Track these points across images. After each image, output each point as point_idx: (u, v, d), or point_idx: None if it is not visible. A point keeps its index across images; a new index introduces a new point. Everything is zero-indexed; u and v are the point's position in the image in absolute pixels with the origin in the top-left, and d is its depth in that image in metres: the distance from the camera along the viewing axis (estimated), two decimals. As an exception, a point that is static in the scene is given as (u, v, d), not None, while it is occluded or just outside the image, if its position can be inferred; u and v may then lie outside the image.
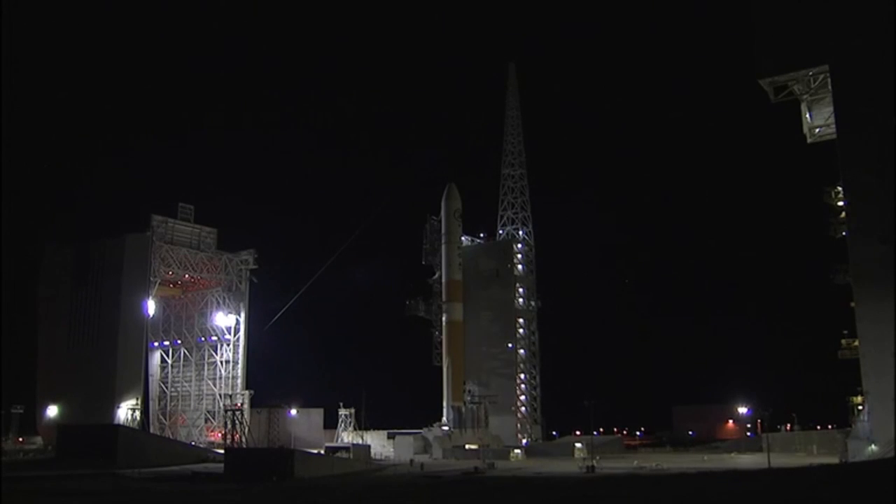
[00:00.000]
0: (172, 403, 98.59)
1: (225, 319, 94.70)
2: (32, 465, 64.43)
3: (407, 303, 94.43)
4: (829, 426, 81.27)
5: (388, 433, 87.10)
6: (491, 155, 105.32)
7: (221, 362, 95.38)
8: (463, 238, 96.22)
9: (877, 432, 47.52)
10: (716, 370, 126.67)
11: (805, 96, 58.17)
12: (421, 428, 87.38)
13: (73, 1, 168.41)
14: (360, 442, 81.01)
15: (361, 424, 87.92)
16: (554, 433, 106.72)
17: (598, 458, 62.87)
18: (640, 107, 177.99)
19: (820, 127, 59.92)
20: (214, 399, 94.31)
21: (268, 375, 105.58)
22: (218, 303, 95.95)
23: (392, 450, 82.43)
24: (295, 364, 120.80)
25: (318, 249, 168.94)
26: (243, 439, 74.81)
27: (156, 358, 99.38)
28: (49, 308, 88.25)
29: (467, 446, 79.26)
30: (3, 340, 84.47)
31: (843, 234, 54.31)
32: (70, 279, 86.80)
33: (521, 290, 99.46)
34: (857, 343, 51.37)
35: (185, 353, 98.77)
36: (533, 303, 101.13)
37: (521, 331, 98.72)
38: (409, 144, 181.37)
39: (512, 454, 76.21)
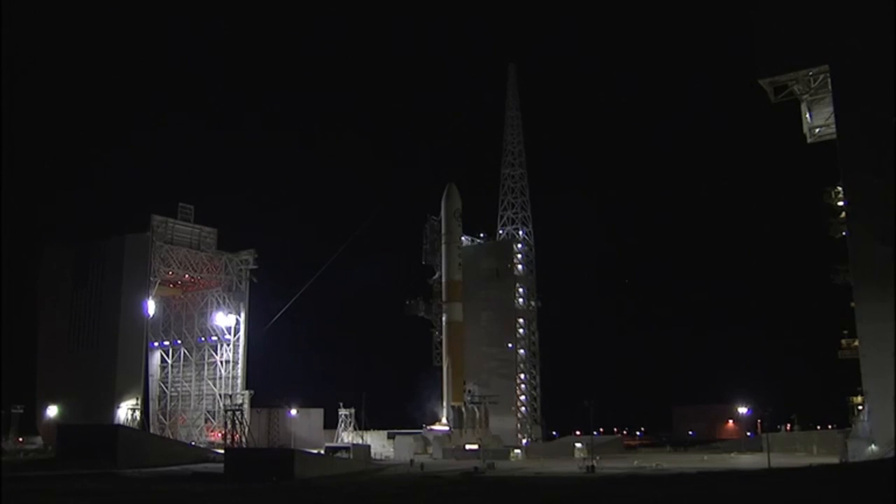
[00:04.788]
0: (172, 403, 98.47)
1: (225, 319, 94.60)
2: (32, 465, 64.39)
3: (407, 303, 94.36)
4: (829, 426, 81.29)
5: (388, 433, 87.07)
6: (491, 155, 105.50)
7: (221, 362, 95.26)
8: (463, 238, 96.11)
9: (877, 432, 47.55)
10: (716, 370, 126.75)
11: (805, 96, 58.20)
12: (421, 428, 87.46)
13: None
14: (360, 442, 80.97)
15: (361, 424, 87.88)
16: (554, 433, 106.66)
17: (598, 458, 62.78)
18: (639, 107, 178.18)
19: (820, 127, 59.95)
20: (214, 399, 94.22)
21: (268, 375, 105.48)
22: (218, 303, 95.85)
23: (392, 450, 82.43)
24: (295, 364, 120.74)
25: (318, 249, 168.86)
26: (243, 439, 74.87)
27: (156, 358, 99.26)
28: (49, 308, 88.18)
29: (467, 446, 79.24)
30: (3, 340, 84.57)
31: (843, 234, 54.34)
32: (70, 279, 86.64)
33: (521, 290, 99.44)
34: (857, 343, 51.41)
35: (185, 353, 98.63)
36: (533, 303, 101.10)
37: (521, 331, 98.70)
38: (410, 144, 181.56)
39: (512, 454, 76.16)
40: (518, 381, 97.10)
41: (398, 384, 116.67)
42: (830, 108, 55.82)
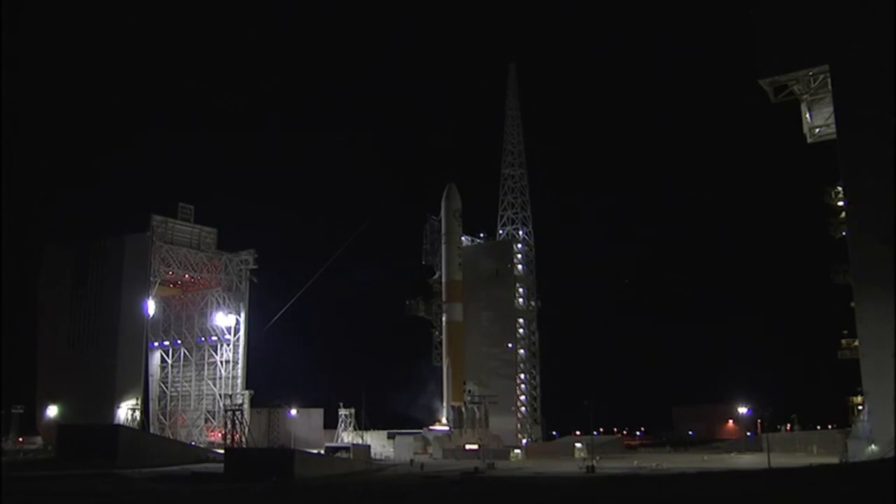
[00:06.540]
0: (172, 403, 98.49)
1: (225, 319, 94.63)
2: (32, 465, 64.37)
3: (407, 303, 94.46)
4: (829, 426, 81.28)
5: (388, 433, 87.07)
6: (491, 155, 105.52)
7: (221, 362, 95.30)
8: (463, 238, 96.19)
9: (877, 432, 47.60)
10: (716, 370, 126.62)
11: (805, 96, 58.27)
12: (421, 428, 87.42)
13: None
14: (360, 442, 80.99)
15: (361, 424, 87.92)
16: (554, 433, 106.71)
17: (598, 458, 62.87)
18: (640, 107, 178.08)
19: (820, 127, 60.02)
20: (214, 399, 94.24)
21: (268, 375, 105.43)
22: (218, 303, 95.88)
23: (392, 450, 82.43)
24: (295, 364, 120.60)
25: (318, 249, 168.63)
26: (243, 439, 74.83)
27: (156, 358, 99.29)
28: (49, 308, 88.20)
29: (467, 446, 79.24)
30: (3, 340, 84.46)
31: (843, 234, 54.40)
32: (70, 279, 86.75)
33: (521, 290, 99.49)
34: (857, 343, 51.48)
35: (185, 353, 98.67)
36: (533, 303, 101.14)
37: (521, 331, 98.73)
38: (410, 144, 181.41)
39: (512, 454, 76.18)
40: (518, 381, 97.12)
41: (398, 384, 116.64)
42: (830, 108, 55.87)
